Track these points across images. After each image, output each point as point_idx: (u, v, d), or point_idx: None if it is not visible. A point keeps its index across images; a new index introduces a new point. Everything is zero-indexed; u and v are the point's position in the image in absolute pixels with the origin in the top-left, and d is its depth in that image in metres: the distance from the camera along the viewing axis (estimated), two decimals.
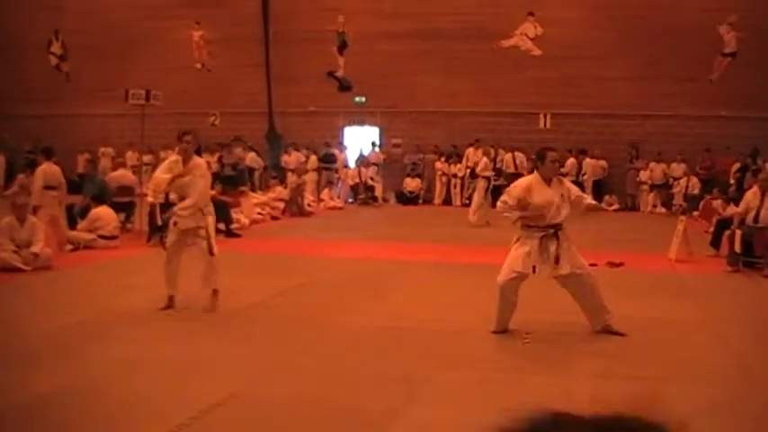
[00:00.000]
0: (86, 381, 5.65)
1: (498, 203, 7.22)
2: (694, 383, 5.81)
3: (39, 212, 11.65)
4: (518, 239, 7.24)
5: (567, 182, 7.78)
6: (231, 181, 17.59)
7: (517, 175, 19.73)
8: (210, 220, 8.23)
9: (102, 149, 25.04)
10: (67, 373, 5.81)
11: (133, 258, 12.01)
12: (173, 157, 8.35)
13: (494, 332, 7.27)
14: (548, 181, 7.25)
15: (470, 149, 23.46)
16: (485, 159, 17.95)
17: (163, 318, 7.75)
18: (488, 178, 17.63)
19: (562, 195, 7.26)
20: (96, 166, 17.83)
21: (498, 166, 20.53)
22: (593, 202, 8.59)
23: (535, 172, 7.47)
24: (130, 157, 20.86)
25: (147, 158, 21.04)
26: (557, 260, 7.06)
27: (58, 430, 4.73)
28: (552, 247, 7.08)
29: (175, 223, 8.06)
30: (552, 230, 7.10)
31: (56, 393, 5.33)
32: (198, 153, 9.02)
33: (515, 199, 7.19)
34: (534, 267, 7.07)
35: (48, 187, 12.61)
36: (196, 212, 8.07)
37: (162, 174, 8.20)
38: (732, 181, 20.07)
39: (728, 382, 5.93)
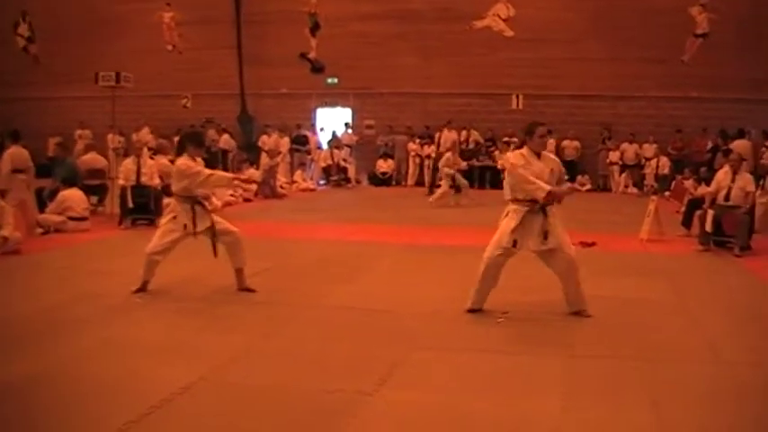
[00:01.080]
0: (57, 365, 5.59)
1: (527, 183, 7.04)
2: (665, 363, 5.85)
3: (7, 196, 11.49)
4: (507, 214, 7.22)
5: (557, 159, 7.67)
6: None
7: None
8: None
9: (79, 132, 24.76)
10: (39, 357, 5.73)
11: (105, 242, 11.92)
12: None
13: (469, 310, 7.24)
14: (537, 155, 7.24)
15: (444, 131, 23.52)
16: (448, 155, 18.02)
17: (134, 302, 7.68)
18: (452, 175, 17.79)
19: (552, 170, 7.23)
20: (67, 150, 17.62)
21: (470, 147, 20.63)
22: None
23: (524, 146, 7.43)
24: (111, 139, 20.66)
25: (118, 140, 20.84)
26: (545, 236, 7.03)
27: (28, 415, 4.67)
28: (538, 223, 7.06)
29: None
30: (539, 205, 7.06)
31: (26, 378, 5.27)
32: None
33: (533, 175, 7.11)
34: (515, 242, 7.04)
35: (16, 171, 12.46)
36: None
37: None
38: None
39: (699, 361, 5.97)
